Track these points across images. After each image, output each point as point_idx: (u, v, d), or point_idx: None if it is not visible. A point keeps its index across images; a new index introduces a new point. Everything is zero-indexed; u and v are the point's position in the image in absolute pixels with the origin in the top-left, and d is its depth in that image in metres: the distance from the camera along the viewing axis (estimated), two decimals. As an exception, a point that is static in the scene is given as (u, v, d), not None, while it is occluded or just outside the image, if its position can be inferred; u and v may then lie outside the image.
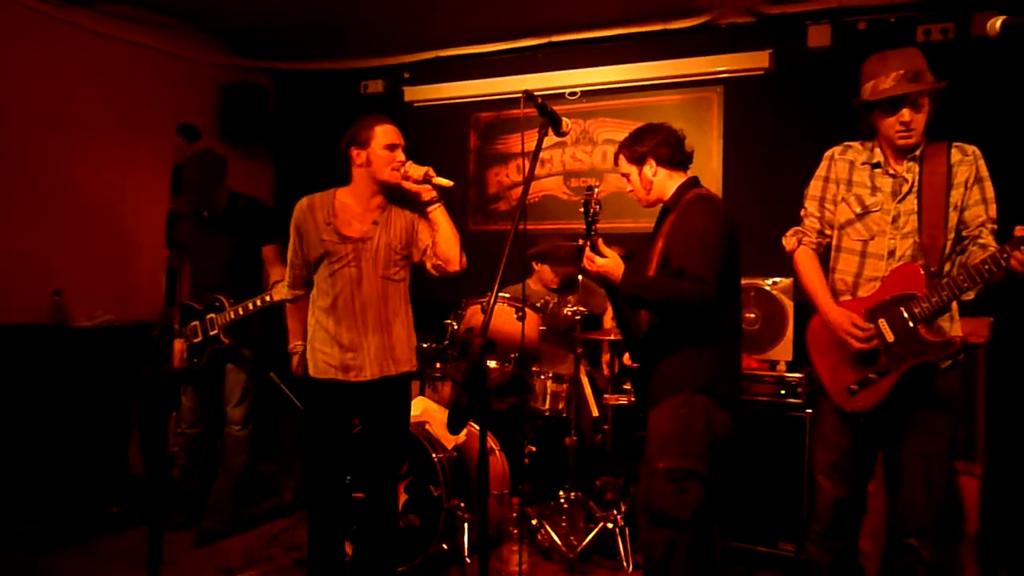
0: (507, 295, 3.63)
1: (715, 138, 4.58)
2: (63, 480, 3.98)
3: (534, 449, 3.65)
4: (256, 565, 3.49)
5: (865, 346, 2.34)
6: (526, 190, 2.21)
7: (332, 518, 2.83)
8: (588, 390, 3.83)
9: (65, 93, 4.48)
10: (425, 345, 3.51)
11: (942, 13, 3.96)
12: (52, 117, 4.41)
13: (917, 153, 2.39)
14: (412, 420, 3.34)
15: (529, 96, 2.22)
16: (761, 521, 3.49)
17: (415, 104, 5.32)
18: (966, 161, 2.36)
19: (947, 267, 2.35)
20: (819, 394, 2.55)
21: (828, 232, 2.56)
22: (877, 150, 2.45)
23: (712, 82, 4.57)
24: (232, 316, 3.68)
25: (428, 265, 2.83)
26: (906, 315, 2.30)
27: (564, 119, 2.31)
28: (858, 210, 2.45)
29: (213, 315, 3.73)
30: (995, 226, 2.34)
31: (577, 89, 4.87)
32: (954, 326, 2.39)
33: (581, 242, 2.58)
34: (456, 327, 3.65)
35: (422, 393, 3.86)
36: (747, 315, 3.67)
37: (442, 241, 2.77)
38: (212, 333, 3.73)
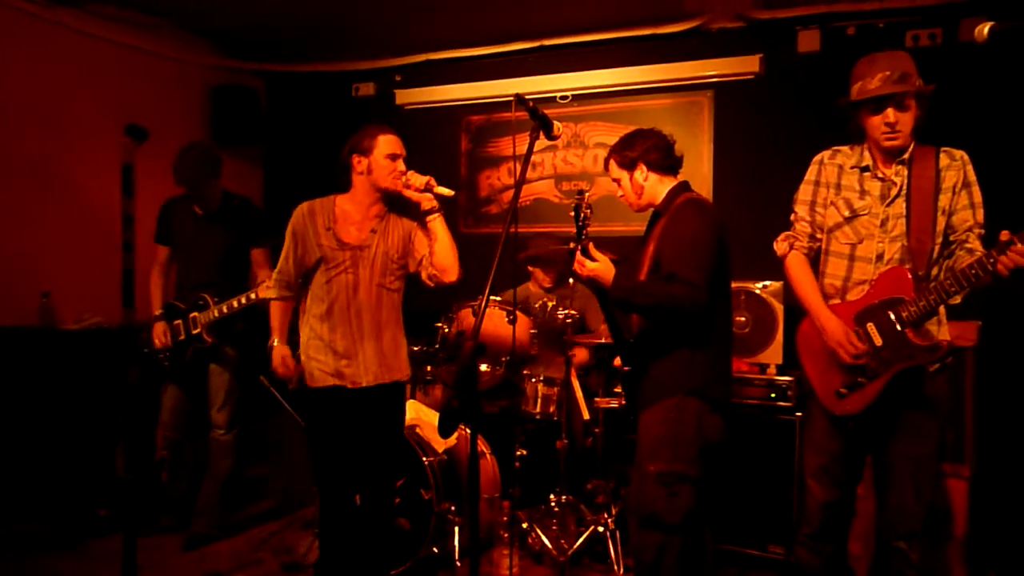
0: (498, 298, 3.63)
1: (705, 142, 4.60)
2: (52, 483, 3.94)
3: (525, 452, 3.64)
4: (245, 569, 3.48)
5: (855, 362, 2.35)
6: (517, 193, 2.21)
7: (344, 528, 2.81)
8: (579, 393, 3.82)
9: (53, 95, 4.45)
10: (416, 348, 3.50)
11: (930, 19, 3.99)
12: (40, 119, 4.38)
13: (905, 157, 2.40)
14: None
15: (520, 99, 2.23)
16: (751, 524, 3.50)
17: (406, 107, 5.30)
18: (954, 166, 2.37)
19: (935, 271, 2.36)
20: (809, 397, 2.55)
21: (819, 236, 2.56)
22: (866, 153, 2.46)
23: (702, 86, 4.59)
24: (216, 314, 3.65)
25: (424, 275, 2.84)
26: (894, 319, 2.31)
27: (555, 123, 2.32)
28: (847, 213, 2.45)
29: (196, 313, 3.71)
30: (982, 231, 2.35)
31: (568, 93, 4.88)
32: (942, 330, 2.40)
33: (572, 246, 2.58)
34: (447, 330, 3.64)
35: (413, 396, 3.86)
36: (737, 318, 3.68)
37: (440, 251, 2.78)
38: (195, 332, 3.70)
